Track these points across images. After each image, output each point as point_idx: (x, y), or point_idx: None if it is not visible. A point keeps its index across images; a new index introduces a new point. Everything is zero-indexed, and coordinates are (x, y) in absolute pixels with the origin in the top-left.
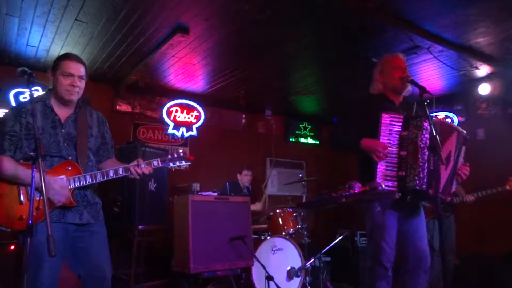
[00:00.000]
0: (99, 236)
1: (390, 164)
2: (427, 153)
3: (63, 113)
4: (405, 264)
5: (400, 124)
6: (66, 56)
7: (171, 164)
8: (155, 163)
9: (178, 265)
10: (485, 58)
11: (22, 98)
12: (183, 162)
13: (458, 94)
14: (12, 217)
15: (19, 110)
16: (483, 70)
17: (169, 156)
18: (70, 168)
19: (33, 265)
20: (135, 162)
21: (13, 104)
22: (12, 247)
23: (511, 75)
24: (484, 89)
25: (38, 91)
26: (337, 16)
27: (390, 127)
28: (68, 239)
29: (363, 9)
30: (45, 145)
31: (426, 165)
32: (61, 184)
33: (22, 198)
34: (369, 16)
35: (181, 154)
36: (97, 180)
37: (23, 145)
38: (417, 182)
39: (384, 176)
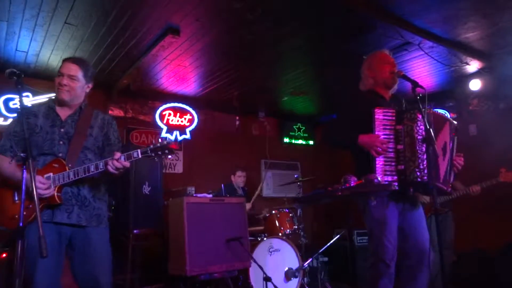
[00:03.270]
0: (96, 243)
1: (388, 159)
2: (424, 144)
3: (64, 113)
4: (407, 259)
5: (394, 118)
6: (64, 58)
7: (153, 155)
8: (135, 154)
9: (174, 268)
10: (475, 53)
11: (12, 105)
12: (167, 152)
13: (450, 91)
14: (7, 217)
15: (22, 112)
16: (473, 65)
17: (151, 146)
18: (57, 166)
19: (27, 267)
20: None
21: (3, 111)
22: (4, 255)
23: (501, 70)
24: (475, 84)
25: (28, 97)
26: (327, 14)
27: (384, 121)
28: (63, 241)
29: (352, 5)
30: (39, 143)
31: (425, 156)
32: (41, 180)
33: (16, 198)
34: (358, 12)
35: (164, 143)
36: (79, 175)
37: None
38: (418, 174)
39: (383, 172)
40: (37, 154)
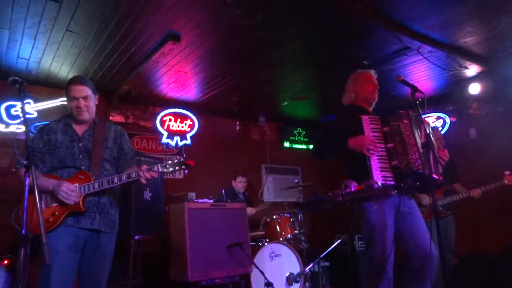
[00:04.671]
0: (105, 250)
1: (381, 157)
2: (413, 138)
3: (80, 128)
4: (411, 263)
5: (379, 123)
6: (69, 81)
7: (171, 169)
8: (155, 168)
9: (176, 274)
10: (474, 58)
11: (13, 112)
12: (183, 167)
13: (449, 95)
14: (34, 223)
15: (42, 129)
16: (472, 69)
17: (169, 162)
18: (82, 177)
19: (43, 271)
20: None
21: (5, 117)
22: (6, 261)
23: (499, 74)
24: (474, 88)
25: (30, 104)
26: (327, 19)
27: (371, 125)
28: (79, 246)
29: (352, 11)
30: (62, 157)
31: (416, 149)
32: (68, 187)
33: (43, 205)
34: (358, 17)
35: (181, 159)
36: (104, 186)
37: (46, 159)
38: (413, 164)
39: (380, 168)
40: (60, 167)
